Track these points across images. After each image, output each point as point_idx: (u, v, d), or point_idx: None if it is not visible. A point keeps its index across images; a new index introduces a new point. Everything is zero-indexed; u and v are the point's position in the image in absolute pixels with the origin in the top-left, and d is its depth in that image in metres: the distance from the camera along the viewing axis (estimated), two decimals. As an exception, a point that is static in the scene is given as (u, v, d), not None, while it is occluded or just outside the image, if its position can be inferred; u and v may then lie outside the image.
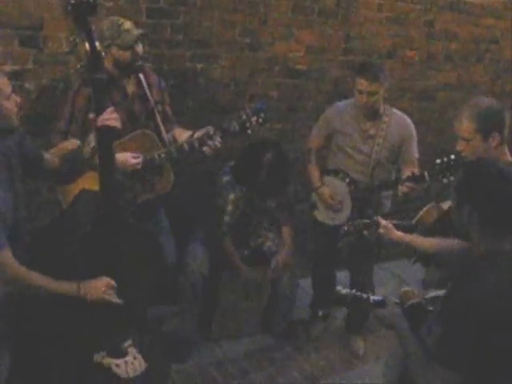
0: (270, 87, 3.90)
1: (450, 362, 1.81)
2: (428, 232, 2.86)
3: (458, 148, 2.65)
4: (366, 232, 2.94)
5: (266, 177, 3.30)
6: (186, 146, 2.93)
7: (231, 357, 3.66)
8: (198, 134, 2.97)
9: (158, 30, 3.38)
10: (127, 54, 2.87)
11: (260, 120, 2.95)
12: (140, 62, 2.96)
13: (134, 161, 2.89)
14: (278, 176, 3.33)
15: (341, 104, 3.61)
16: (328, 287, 3.94)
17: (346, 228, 3.12)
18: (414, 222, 3.02)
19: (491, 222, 1.85)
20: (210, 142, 2.91)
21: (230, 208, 3.45)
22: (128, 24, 2.85)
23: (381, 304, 2.23)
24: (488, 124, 2.50)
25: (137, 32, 2.86)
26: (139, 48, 2.91)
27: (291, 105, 4.04)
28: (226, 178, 3.48)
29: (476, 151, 2.56)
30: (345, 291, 2.29)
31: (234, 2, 3.55)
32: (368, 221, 2.98)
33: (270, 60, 3.82)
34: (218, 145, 2.94)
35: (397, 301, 2.20)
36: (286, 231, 3.72)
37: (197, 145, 2.92)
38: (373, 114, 3.42)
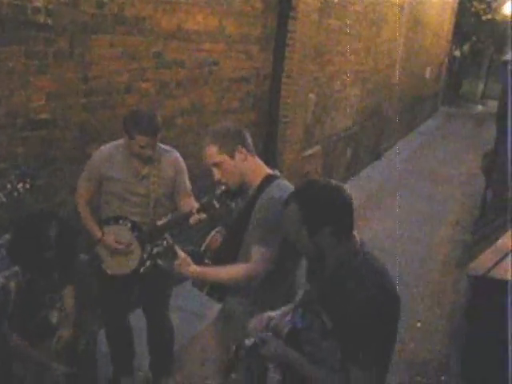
0: (14, 144, 3.46)
1: (360, 362, 1.87)
2: (215, 258, 2.87)
3: (216, 178, 2.68)
4: (160, 261, 2.82)
5: (53, 253, 2.80)
6: None
7: None
8: None
9: None
10: None
11: (27, 185, 2.79)
12: None
13: None
14: (65, 249, 2.87)
15: (106, 148, 3.42)
16: (126, 338, 3.75)
17: (144, 256, 2.96)
18: (202, 248, 3.00)
19: (343, 229, 1.99)
20: None
21: (11, 297, 2.92)
22: None
23: (263, 343, 2.12)
24: (228, 141, 2.58)
25: None
26: None
27: (42, 159, 3.66)
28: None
29: (231, 171, 2.62)
30: (248, 342, 2.13)
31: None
32: (161, 248, 2.83)
33: (10, 114, 3.39)
34: None
35: (269, 334, 2.16)
36: (67, 293, 3.31)
37: None
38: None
